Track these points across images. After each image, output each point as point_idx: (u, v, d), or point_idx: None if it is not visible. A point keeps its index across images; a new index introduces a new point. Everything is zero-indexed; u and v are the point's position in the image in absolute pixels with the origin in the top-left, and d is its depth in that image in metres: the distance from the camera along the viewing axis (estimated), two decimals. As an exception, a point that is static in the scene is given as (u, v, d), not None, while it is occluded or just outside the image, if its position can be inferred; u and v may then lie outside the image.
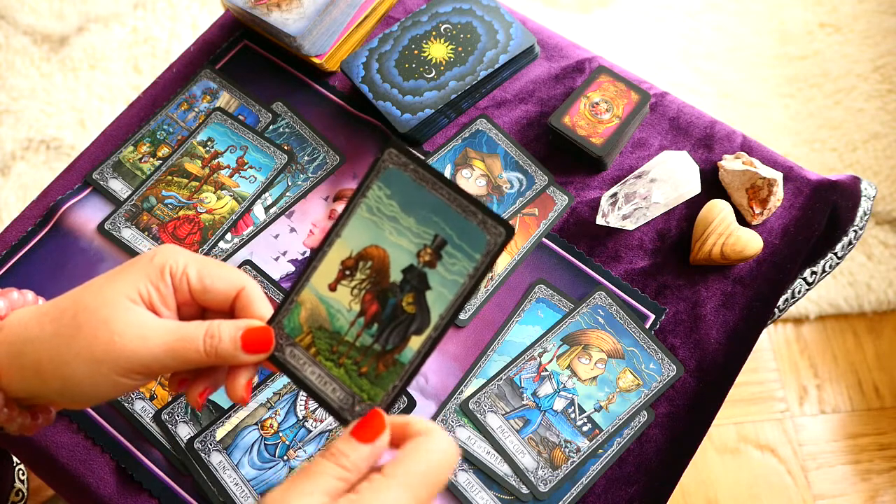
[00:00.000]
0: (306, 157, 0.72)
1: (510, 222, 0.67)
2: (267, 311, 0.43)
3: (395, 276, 0.41)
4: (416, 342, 0.40)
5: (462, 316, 0.65)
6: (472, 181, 0.70)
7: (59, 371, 0.39)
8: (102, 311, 0.40)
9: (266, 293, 0.66)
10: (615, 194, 0.66)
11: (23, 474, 0.80)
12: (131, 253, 0.68)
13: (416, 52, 0.72)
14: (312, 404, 0.62)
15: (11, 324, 0.41)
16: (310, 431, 0.61)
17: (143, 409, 0.62)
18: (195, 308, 0.44)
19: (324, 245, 0.42)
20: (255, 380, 0.63)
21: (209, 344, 0.40)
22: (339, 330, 0.42)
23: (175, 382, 0.44)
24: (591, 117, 0.69)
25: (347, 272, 0.42)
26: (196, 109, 0.75)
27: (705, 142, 0.71)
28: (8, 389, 0.41)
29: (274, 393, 0.62)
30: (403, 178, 0.41)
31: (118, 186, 0.71)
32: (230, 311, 0.43)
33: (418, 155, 0.43)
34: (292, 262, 0.68)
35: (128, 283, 0.41)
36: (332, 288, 0.42)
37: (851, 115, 1.41)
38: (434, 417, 0.61)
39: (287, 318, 0.43)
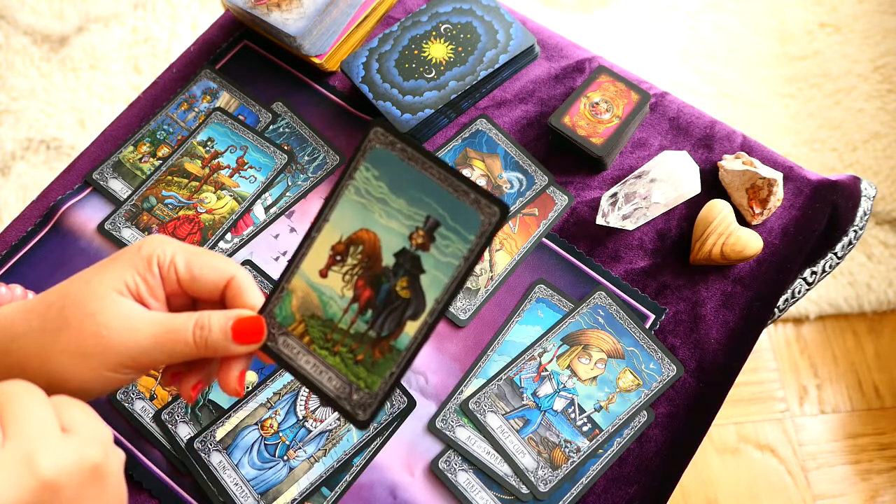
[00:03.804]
0: (306, 157, 0.72)
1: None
2: (258, 300, 0.42)
3: (388, 260, 0.40)
4: (412, 328, 0.39)
5: (462, 316, 0.65)
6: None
7: (45, 367, 0.39)
8: (89, 304, 0.39)
9: (263, 291, 0.66)
10: (615, 194, 0.66)
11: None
12: (131, 253, 0.68)
13: (416, 52, 0.72)
14: (313, 404, 0.62)
15: None
16: (310, 431, 0.61)
17: (142, 409, 0.62)
18: (185, 299, 0.43)
19: (312, 230, 0.41)
20: (256, 378, 0.63)
21: (199, 335, 0.40)
22: (333, 317, 0.41)
23: (167, 376, 0.43)
24: (591, 117, 0.69)
25: (338, 258, 0.41)
26: (196, 109, 0.75)
27: (705, 142, 0.71)
28: None
29: (274, 393, 0.62)
30: (391, 158, 0.39)
31: (118, 186, 0.71)
32: (221, 300, 0.43)
33: (405, 134, 0.41)
34: (292, 262, 0.68)
35: (115, 275, 0.40)
36: (323, 274, 0.41)
37: (851, 115, 1.41)
38: (434, 417, 0.61)
39: (278, 307, 0.42)
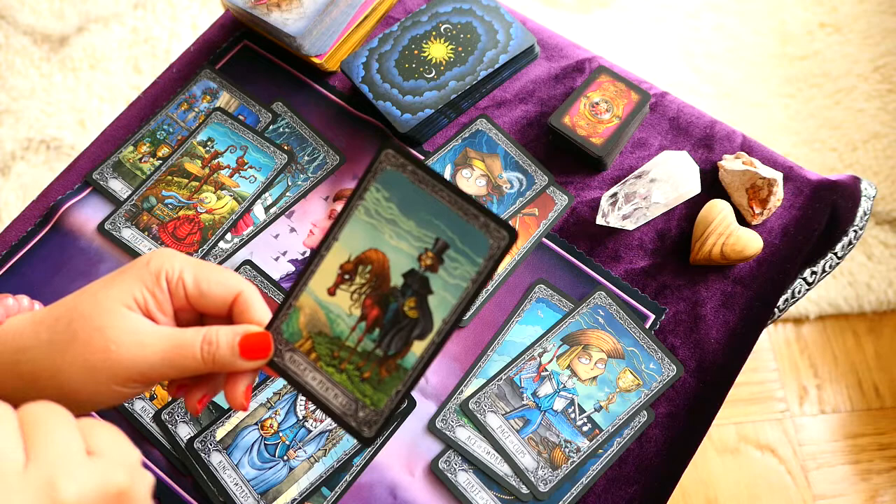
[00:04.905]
0: (306, 157, 0.72)
1: (510, 222, 0.67)
2: (265, 315, 0.42)
3: (396, 280, 0.40)
4: (419, 347, 0.40)
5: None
6: (472, 181, 0.70)
7: (54, 380, 0.39)
8: (97, 318, 0.39)
9: (266, 293, 0.66)
10: (615, 194, 0.66)
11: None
12: (131, 253, 0.68)
13: (416, 52, 0.72)
14: (312, 405, 0.62)
15: (6, 331, 0.40)
16: (310, 431, 0.61)
17: (143, 409, 0.62)
18: (193, 313, 0.43)
19: (321, 249, 0.42)
20: (256, 379, 0.63)
21: (206, 351, 0.40)
22: (340, 335, 0.41)
23: (174, 388, 0.43)
24: (591, 117, 0.69)
25: (346, 276, 0.41)
26: (196, 109, 0.75)
27: (705, 142, 0.71)
28: (4, 398, 0.40)
29: (274, 393, 0.62)
30: (402, 180, 0.40)
31: (118, 186, 0.71)
32: (228, 316, 0.43)
33: (417, 156, 0.42)
34: (292, 262, 0.68)
35: (123, 290, 0.40)
36: (331, 292, 0.42)
37: (851, 115, 1.41)
38: (434, 417, 0.61)
39: (286, 324, 0.42)
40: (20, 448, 0.31)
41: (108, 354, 0.38)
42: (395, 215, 0.40)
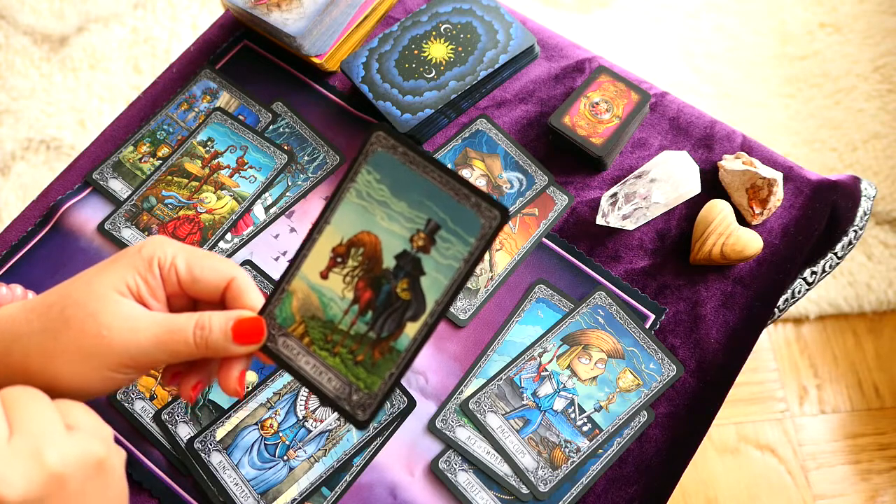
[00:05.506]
0: (306, 157, 0.72)
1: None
2: (258, 301, 0.42)
3: (388, 262, 0.40)
4: (412, 329, 0.40)
5: (462, 316, 0.65)
6: (472, 181, 0.70)
7: (47, 367, 0.39)
8: (90, 304, 0.39)
9: (264, 291, 0.66)
10: (615, 194, 0.66)
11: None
12: (131, 253, 0.68)
13: (416, 52, 0.72)
14: (313, 404, 0.62)
15: None
16: (310, 431, 0.61)
17: (142, 409, 0.62)
18: (186, 300, 0.43)
19: (313, 232, 0.42)
20: (256, 378, 0.63)
21: (199, 335, 0.40)
22: (333, 318, 0.41)
23: (168, 376, 0.44)
24: (591, 117, 0.69)
25: (339, 259, 0.41)
26: (196, 109, 0.75)
27: (705, 142, 0.71)
28: None
29: (274, 393, 0.62)
30: (393, 162, 0.40)
31: (118, 186, 0.71)
32: (221, 302, 0.43)
33: (407, 138, 0.42)
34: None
35: (116, 276, 0.40)
36: (324, 276, 0.41)
37: (851, 115, 1.41)
38: (434, 417, 0.61)
39: (279, 308, 0.42)
40: (4, 422, 0.33)
41: (100, 339, 0.39)
42: (387, 197, 0.40)
